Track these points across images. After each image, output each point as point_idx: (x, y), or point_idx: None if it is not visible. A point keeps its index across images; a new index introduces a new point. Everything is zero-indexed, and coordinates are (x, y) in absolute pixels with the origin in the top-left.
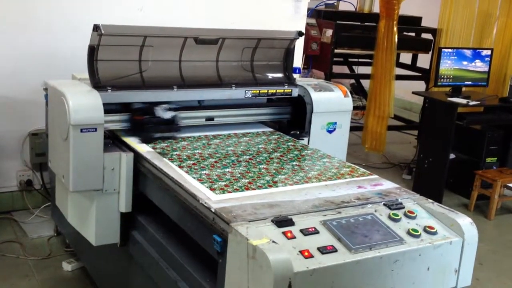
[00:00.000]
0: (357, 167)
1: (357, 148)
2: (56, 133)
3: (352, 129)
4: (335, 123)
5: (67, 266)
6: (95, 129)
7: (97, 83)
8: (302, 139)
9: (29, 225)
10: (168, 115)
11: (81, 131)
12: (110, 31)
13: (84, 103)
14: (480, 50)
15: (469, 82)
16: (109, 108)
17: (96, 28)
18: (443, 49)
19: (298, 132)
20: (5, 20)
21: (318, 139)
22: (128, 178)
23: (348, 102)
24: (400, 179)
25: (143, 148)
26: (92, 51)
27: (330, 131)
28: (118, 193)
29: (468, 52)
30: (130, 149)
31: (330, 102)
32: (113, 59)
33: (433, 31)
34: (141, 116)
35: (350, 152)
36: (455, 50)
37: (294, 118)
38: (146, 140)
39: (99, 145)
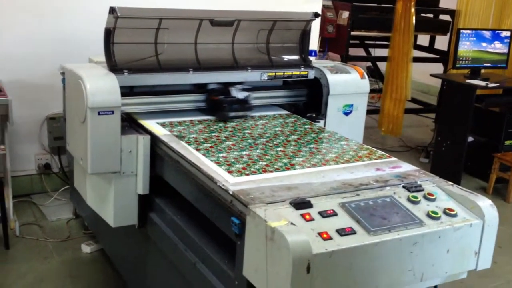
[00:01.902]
0: (375, 149)
1: (374, 131)
2: (74, 116)
3: (368, 112)
4: (352, 105)
5: (86, 248)
6: (112, 112)
7: (114, 66)
8: (318, 122)
9: (48, 208)
10: (242, 95)
11: (99, 113)
12: (126, 14)
13: (101, 86)
14: (499, 32)
15: (488, 64)
16: (125, 91)
17: (112, 10)
18: (461, 31)
19: (314, 115)
20: (22, 5)
21: (335, 122)
22: (145, 160)
23: (365, 84)
24: (417, 162)
25: (160, 131)
26: (109, 34)
27: (346, 114)
28: (136, 175)
29: (487, 34)
30: (147, 132)
31: (347, 84)
32: (129, 42)
33: (451, 12)
34: (216, 96)
35: (366, 135)
36: (474, 31)
37: (310, 100)
38: (222, 119)
39: (116, 127)
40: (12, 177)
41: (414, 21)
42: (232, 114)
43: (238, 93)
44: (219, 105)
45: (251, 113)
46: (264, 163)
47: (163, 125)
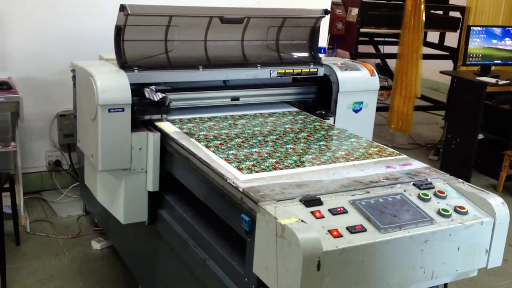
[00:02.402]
0: (385, 147)
1: (383, 128)
2: (84, 113)
3: (377, 109)
4: (361, 102)
5: (96, 245)
6: (123, 109)
7: (124, 63)
8: (328, 119)
9: (58, 205)
10: (157, 97)
11: (109, 111)
12: (136, 11)
13: (112, 83)
14: (510, 28)
15: (499, 61)
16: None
17: (122, 8)
18: (471, 27)
19: (323, 112)
20: (33, 2)
21: (344, 119)
22: (155, 157)
23: (374, 81)
24: (426, 160)
25: (170, 128)
26: (119, 31)
27: (356, 111)
28: (146, 172)
29: (497, 30)
30: (157, 129)
31: (356, 81)
32: (139, 39)
33: (461, 9)
34: None
35: (375, 132)
36: (484, 28)
37: (319, 97)
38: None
39: (126, 125)
40: (22, 174)
41: (424, 18)
42: (147, 117)
43: (153, 95)
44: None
45: (168, 116)
46: (274, 160)
47: (173, 122)
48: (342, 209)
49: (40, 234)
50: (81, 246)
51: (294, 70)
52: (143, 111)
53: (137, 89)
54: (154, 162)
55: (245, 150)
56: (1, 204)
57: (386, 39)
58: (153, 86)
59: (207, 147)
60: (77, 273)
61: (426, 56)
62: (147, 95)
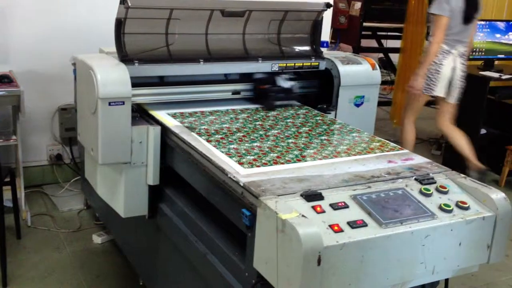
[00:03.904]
0: (387, 141)
1: (385, 123)
2: (85, 107)
3: (380, 104)
4: (363, 96)
5: (97, 239)
6: (123, 103)
7: (125, 57)
8: (329, 113)
9: (59, 199)
10: (287, 84)
11: (109, 104)
12: (136, 4)
13: (112, 76)
14: None
15: (502, 56)
16: (136, 82)
17: (123, 1)
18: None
19: (325, 106)
20: None
21: (346, 113)
22: (156, 151)
23: (376, 75)
24: (429, 154)
25: (171, 122)
26: (119, 24)
27: (357, 105)
28: (146, 166)
29: (501, 25)
30: (158, 122)
31: (358, 75)
32: (140, 32)
33: None
34: (263, 85)
35: (378, 127)
36: (487, 22)
37: (321, 91)
38: (268, 108)
39: (127, 118)
40: (24, 167)
41: (427, 12)
42: (278, 102)
43: (283, 83)
44: (266, 94)
45: (295, 102)
46: (275, 154)
47: (173, 116)
48: (343, 204)
49: (41, 228)
50: (82, 240)
51: (296, 64)
52: (275, 97)
53: (270, 77)
54: (154, 156)
55: (246, 144)
56: (2, 197)
57: (389, 33)
58: (285, 75)
59: (208, 141)
60: (78, 267)
61: None
62: (278, 83)
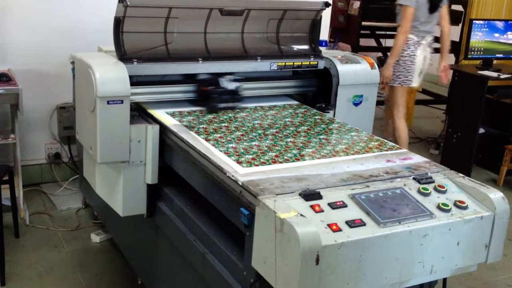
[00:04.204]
0: (386, 141)
1: (384, 122)
2: (83, 105)
3: (379, 103)
4: (362, 95)
5: (95, 238)
6: (122, 101)
7: (123, 55)
8: (328, 112)
9: (58, 197)
10: (232, 85)
11: (108, 103)
12: (135, 2)
13: (111, 75)
14: None
15: (501, 55)
16: (135, 80)
17: None
18: (474, 21)
19: (323, 105)
20: None
21: (344, 112)
22: (154, 150)
23: (375, 74)
24: (427, 154)
25: (170, 121)
26: (118, 23)
27: (356, 104)
28: (145, 165)
29: (500, 24)
30: (156, 121)
31: (357, 74)
32: (138, 31)
33: (464, 3)
34: (206, 87)
35: (376, 126)
36: (486, 22)
37: (319, 90)
38: (211, 110)
39: (125, 117)
40: (22, 166)
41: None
42: (222, 105)
43: (228, 84)
44: (209, 96)
45: (241, 104)
46: (274, 154)
47: (172, 115)
48: (341, 203)
49: (39, 227)
50: (80, 239)
51: (294, 63)
52: (219, 99)
53: (213, 78)
54: (153, 154)
55: (245, 144)
56: (0, 196)
57: (388, 33)
58: (228, 76)
59: (207, 140)
60: (76, 265)
61: None
62: (221, 84)
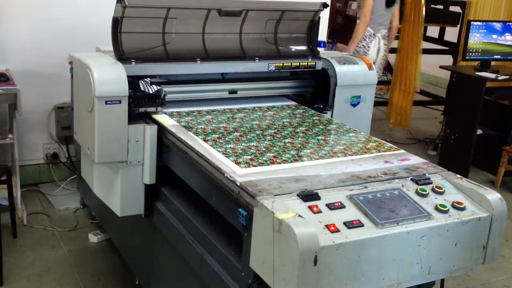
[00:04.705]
0: (384, 142)
1: (382, 123)
2: (81, 105)
3: (377, 104)
4: (359, 96)
5: (93, 238)
6: (120, 101)
7: (121, 56)
8: (326, 113)
9: (55, 197)
10: (152, 89)
11: (106, 103)
12: (133, 3)
13: (109, 75)
14: (510, 23)
15: (498, 56)
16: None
17: None
18: (472, 22)
19: (321, 106)
20: None
21: (342, 113)
22: (152, 150)
23: (372, 75)
24: (425, 155)
25: (168, 121)
26: (116, 23)
27: (354, 105)
28: (143, 165)
29: (498, 25)
30: (154, 121)
31: (354, 75)
32: (137, 31)
33: (462, 4)
34: None
35: (374, 127)
36: (484, 23)
37: (317, 91)
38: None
39: (123, 117)
40: (20, 166)
41: (424, 12)
42: (142, 109)
43: (148, 88)
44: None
45: (163, 109)
46: (272, 154)
47: (170, 115)
48: (339, 204)
49: (37, 227)
50: (78, 239)
51: (292, 64)
52: (138, 103)
53: (132, 82)
54: (151, 155)
55: (243, 144)
56: None
57: None
58: (148, 79)
59: (205, 140)
60: (74, 266)
61: (426, 51)
62: (142, 88)
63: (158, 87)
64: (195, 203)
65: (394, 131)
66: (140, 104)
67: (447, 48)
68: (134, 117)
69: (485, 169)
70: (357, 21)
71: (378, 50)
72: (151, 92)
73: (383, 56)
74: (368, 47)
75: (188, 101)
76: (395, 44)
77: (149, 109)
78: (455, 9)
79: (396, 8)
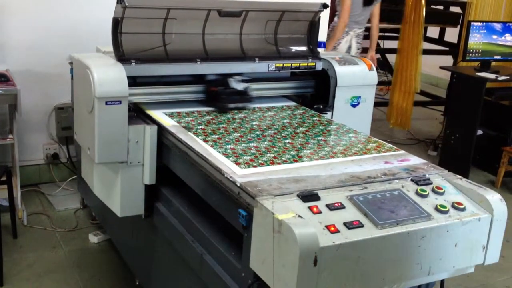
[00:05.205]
0: (384, 142)
1: (382, 124)
2: (82, 106)
3: (377, 104)
4: (359, 97)
5: (93, 238)
6: (120, 102)
7: (121, 56)
8: (326, 113)
9: (56, 198)
10: (240, 86)
11: (106, 103)
12: (134, 3)
13: (109, 76)
14: (510, 24)
15: (499, 57)
16: (133, 81)
17: (120, 0)
18: (472, 23)
19: (321, 106)
20: None
21: (342, 113)
22: (152, 151)
23: (372, 76)
24: (425, 155)
25: (168, 122)
26: (116, 24)
27: (354, 105)
28: (143, 165)
29: (498, 26)
30: (154, 122)
31: (355, 75)
32: (137, 32)
33: (462, 4)
34: (215, 87)
35: (374, 128)
36: (484, 23)
37: (317, 92)
38: (221, 110)
39: (123, 117)
40: (20, 166)
41: (424, 13)
42: (232, 105)
43: (237, 84)
44: (218, 96)
45: (250, 104)
46: (272, 155)
47: (171, 115)
48: (339, 204)
49: (37, 227)
50: (78, 240)
51: (292, 64)
52: (228, 99)
53: (222, 79)
54: (151, 155)
55: (243, 145)
56: None
57: (386, 34)
58: (238, 76)
59: (205, 141)
60: (74, 266)
61: (426, 51)
62: (231, 85)
63: (246, 85)
64: (195, 204)
65: (395, 131)
66: (231, 100)
67: (447, 48)
68: (225, 110)
69: (485, 169)
70: (335, 19)
71: (349, 48)
72: (239, 89)
73: (356, 54)
74: (340, 42)
75: (188, 102)
76: (395, 44)
77: (239, 105)
78: (455, 9)
79: (376, 7)
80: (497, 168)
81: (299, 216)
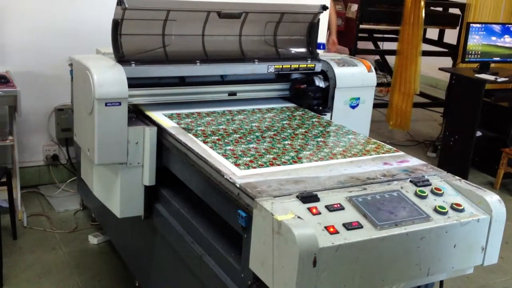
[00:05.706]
0: (383, 143)
1: (381, 125)
2: (81, 107)
3: (376, 106)
4: (358, 98)
5: (93, 240)
6: (119, 103)
7: (121, 58)
8: (325, 115)
9: (55, 199)
10: (323, 84)
11: (106, 105)
12: (134, 5)
13: (109, 77)
14: (509, 25)
15: (498, 58)
16: (133, 83)
17: (120, 2)
18: (471, 24)
19: (320, 108)
20: None
21: (341, 115)
22: (152, 152)
23: (371, 77)
24: (424, 156)
25: (168, 123)
26: (116, 26)
27: (353, 107)
28: (142, 166)
29: (497, 27)
30: (154, 123)
31: (354, 77)
32: (137, 33)
33: (461, 6)
34: (300, 85)
35: (374, 129)
36: (483, 25)
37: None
38: (306, 106)
39: (123, 119)
40: (20, 168)
41: (423, 15)
42: (315, 102)
43: (320, 82)
44: (304, 93)
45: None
46: (272, 156)
47: (170, 117)
48: (338, 205)
49: (37, 229)
50: (78, 241)
51: (292, 66)
52: (314, 97)
53: (307, 77)
54: (150, 156)
55: (242, 146)
56: None
57: (385, 36)
58: (321, 75)
59: (205, 142)
60: (74, 267)
61: (425, 53)
62: (316, 83)
63: (328, 83)
64: (194, 205)
65: (394, 133)
66: (315, 97)
67: (447, 50)
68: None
69: (485, 171)
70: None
71: None
72: (323, 87)
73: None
74: None
75: (188, 103)
76: (394, 46)
77: (320, 101)
78: (455, 11)
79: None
80: (496, 170)
81: (299, 217)
